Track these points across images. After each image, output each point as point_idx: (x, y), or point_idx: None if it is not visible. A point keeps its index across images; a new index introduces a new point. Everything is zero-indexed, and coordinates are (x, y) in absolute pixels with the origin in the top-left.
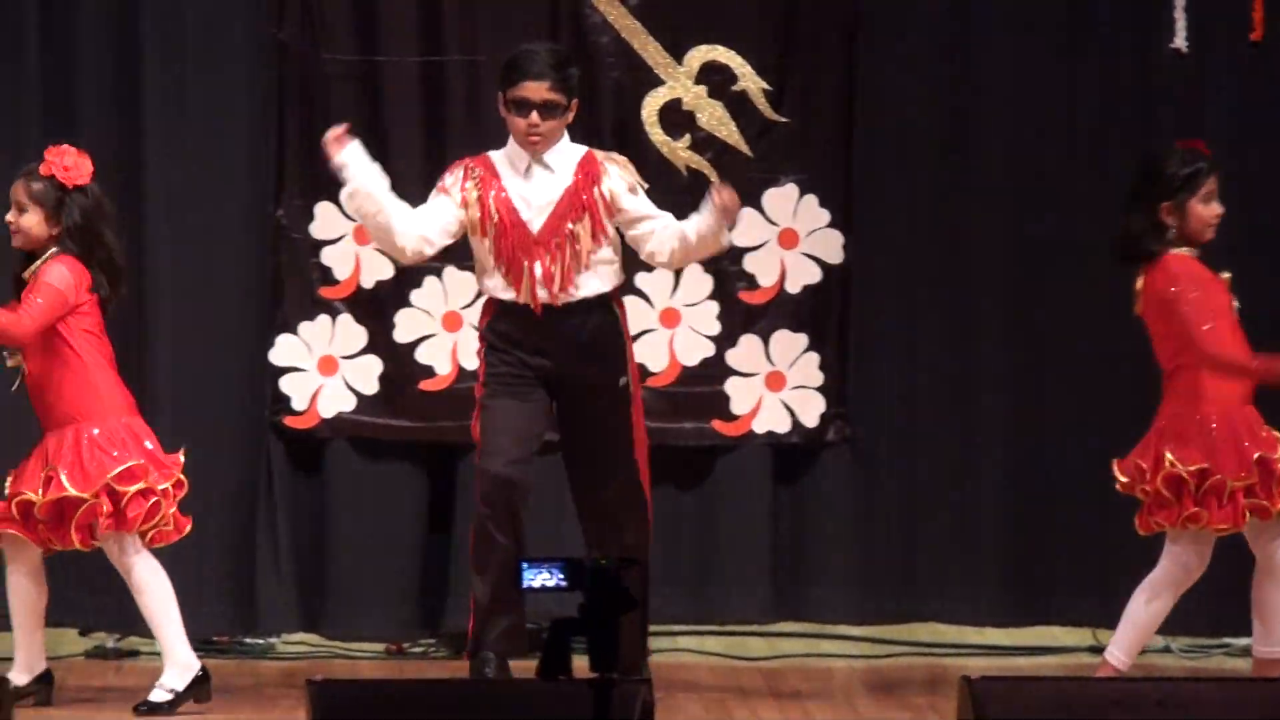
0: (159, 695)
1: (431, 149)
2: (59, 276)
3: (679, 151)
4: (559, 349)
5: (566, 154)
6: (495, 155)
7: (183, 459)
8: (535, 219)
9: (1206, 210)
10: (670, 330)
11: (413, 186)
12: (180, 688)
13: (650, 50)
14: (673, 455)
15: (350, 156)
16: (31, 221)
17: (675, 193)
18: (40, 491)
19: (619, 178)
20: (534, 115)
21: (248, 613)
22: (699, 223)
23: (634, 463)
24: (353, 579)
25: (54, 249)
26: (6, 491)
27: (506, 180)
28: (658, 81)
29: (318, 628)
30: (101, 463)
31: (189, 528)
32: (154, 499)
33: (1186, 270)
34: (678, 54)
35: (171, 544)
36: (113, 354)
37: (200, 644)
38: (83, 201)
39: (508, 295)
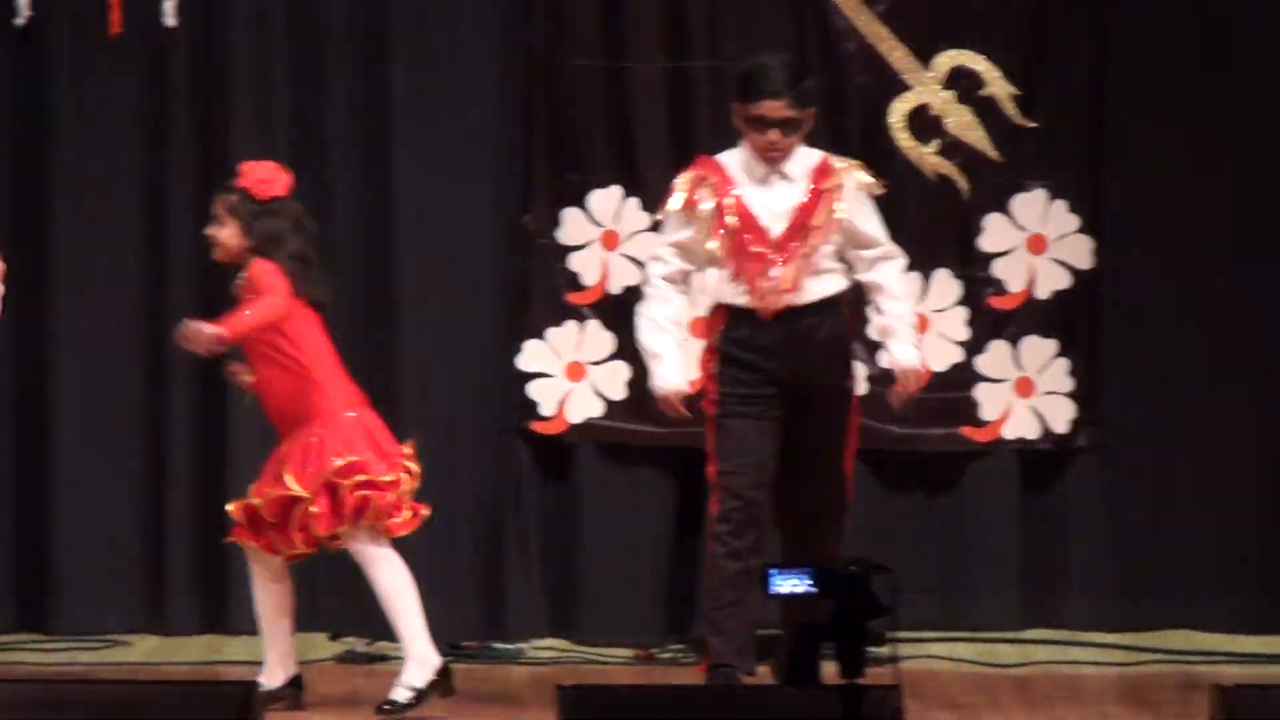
0: (400, 694)
1: (677, 155)
2: (267, 283)
3: (926, 157)
4: (791, 353)
5: (802, 159)
6: (727, 159)
7: (411, 450)
8: (774, 225)
9: None
10: (919, 336)
11: (660, 190)
12: (421, 685)
13: (897, 55)
14: (922, 462)
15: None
16: (226, 234)
17: (924, 199)
18: (268, 492)
19: (855, 191)
20: (772, 133)
21: (497, 618)
22: (892, 346)
23: (843, 472)
24: (602, 584)
25: (253, 259)
26: (245, 496)
27: (742, 186)
28: (905, 86)
29: (567, 633)
30: (323, 460)
31: (425, 512)
32: (369, 491)
33: None
34: (925, 58)
35: (419, 547)
36: (333, 349)
37: (450, 649)
38: (275, 215)
39: (741, 300)
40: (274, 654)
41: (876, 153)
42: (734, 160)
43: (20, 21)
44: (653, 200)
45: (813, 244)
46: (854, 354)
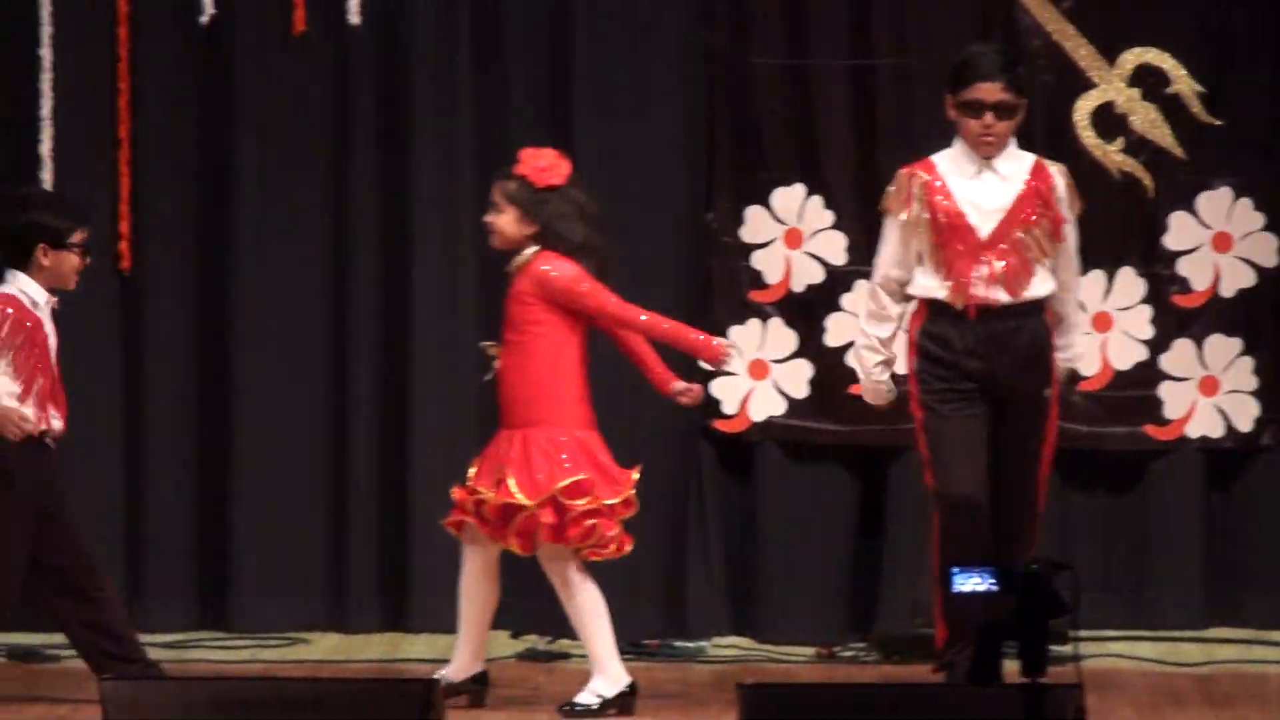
0: (586, 698)
1: (861, 153)
2: (566, 271)
3: (1111, 155)
4: (993, 354)
5: (1017, 160)
6: (939, 159)
7: (635, 477)
8: (984, 224)
9: None
10: (1103, 334)
11: (843, 188)
12: (608, 695)
13: (1083, 53)
14: (1105, 460)
15: None
16: (505, 221)
17: (1108, 196)
18: (492, 491)
19: (1066, 199)
20: (988, 116)
21: (679, 616)
22: (1065, 345)
23: (1038, 478)
24: (783, 582)
25: (534, 248)
26: (469, 480)
27: (953, 183)
28: (1090, 84)
29: (748, 631)
30: (551, 472)
31: (629, 548)
32: (597, 521)
33: None
34: (1110, 56)
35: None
36: (582, 361)
37: (631, 647)
38: (556, 202)
39: (944, 296)
40: (467, 648)
41: (1061, 150)
42: (945, 158)
43: (204, 19)
44: (836, 198)
45: (1032, 249)
46: (1054, 361)
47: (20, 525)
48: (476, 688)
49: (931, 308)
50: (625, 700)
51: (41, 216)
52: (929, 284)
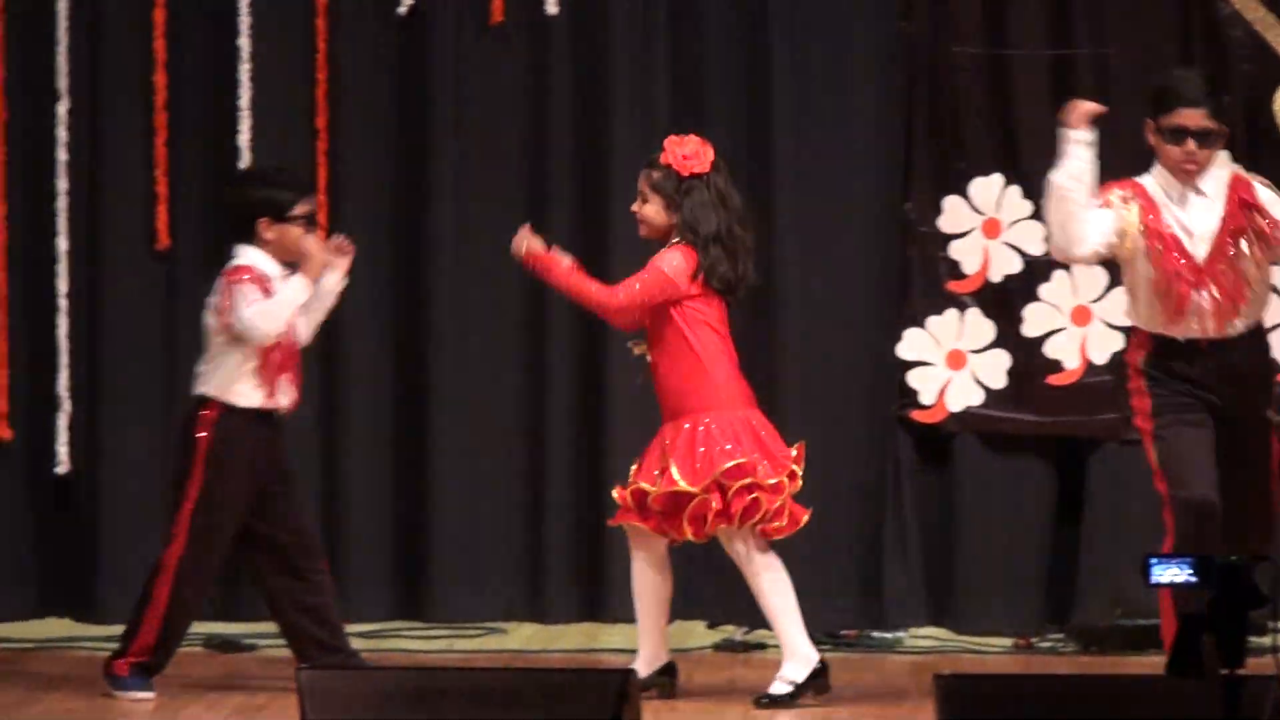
0: (779, 687)
1: (1059, 143)
2: (666, 261)
3: None
4: (1221, 383)
5: (1217, 176)
6: (1146, 181)
7: (797, 453)
8: (1199, 248)
9: None
10: None
11: (1041, 178)
12: (800, 679)
13: None
14: None
15: (1088, 138)
16: (651, 211)
17: None
18: (655, 483)
19: (1269, 196)
20: (1190, 144)
21: (875, 607)
22: None
23: (1271, 494)
24: (980, 573)
25: (675, 238)
26: (630, 479)
27: (1164, 209)
28: None
29: (945, 622)
30: (712, 457)
31: (806, 519)
32: (758, 494)
33: None
34: None
35: (797, 538)
36: (732, 347)
37: (827, 638)
38: (700, 191)
39: (1169, 330)
40: (648, 642)
41: (1260, 140)
42: (1150, 183)
43: (403, 10)
44: (1034, 188)
45: (1246, 267)
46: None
47: (233, 498)
48: (664, 680)
49: (1155, 341)
50: (817, 680)
51: (261, 191)
52: (1148, 315)
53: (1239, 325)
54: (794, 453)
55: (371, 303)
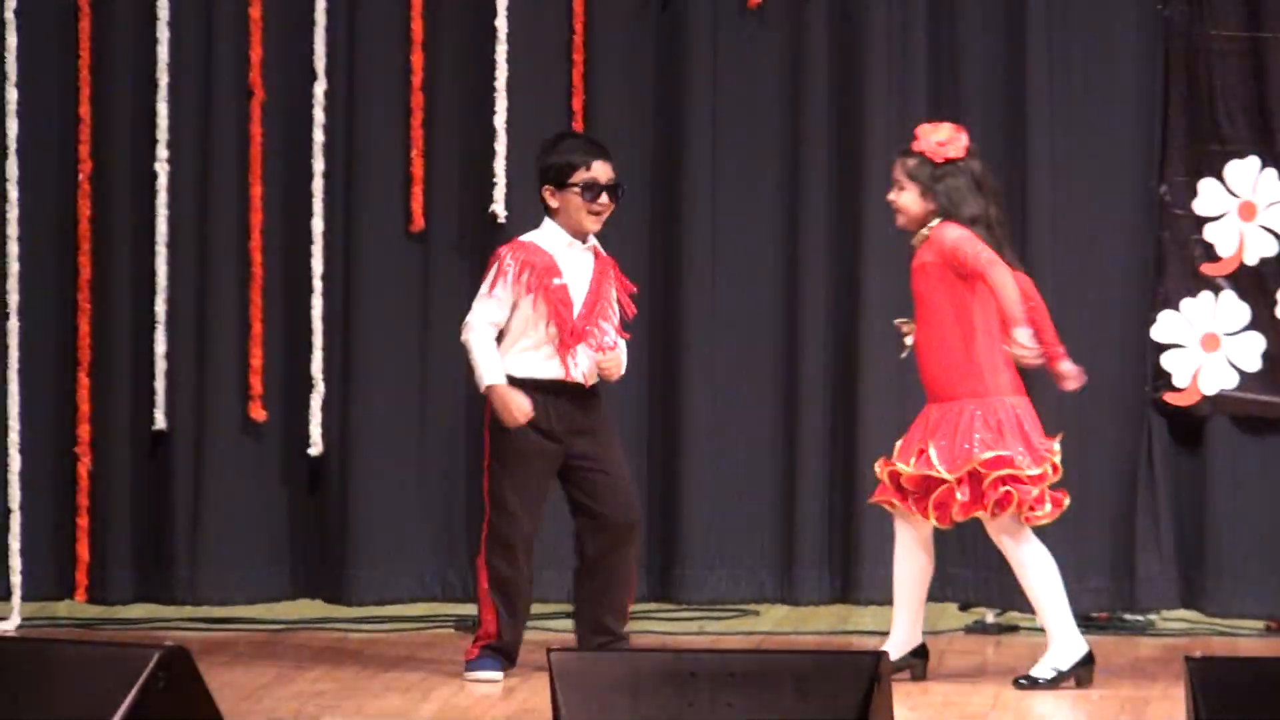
0: (1041, 670)
1: None
2: (953, 233)
3: None
4: None
5: None
6: None
7: (1058, 446)
8: None
9: None
10: None
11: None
12: (1064, 667)
13: None
14: None
15: None
16: (908, 200)
17: None
18: (911, 462)
19: None
20: None
21: (1128, 589)
22: None
23: None
24: (1233, 556)
25: (934, 221)
26: (894, 455)
27: None
28: None
29: (1197, 604)
30: (972, 446)
31: (1067, 502)
32: (1012, 486)
33: None
34: None
35: (1056, 520)
36: (997, 329)
37: (1080, 620)
38: (956, 175)
39: None
40: (903, 621)
41: None
42: None
43: None
44: (1237, 176)
45: None
46: None
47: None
48: (916, 661)
49: None
50: (1082, 671)
51: (550, 158)
52: None
53: None
54: (1056, 445)
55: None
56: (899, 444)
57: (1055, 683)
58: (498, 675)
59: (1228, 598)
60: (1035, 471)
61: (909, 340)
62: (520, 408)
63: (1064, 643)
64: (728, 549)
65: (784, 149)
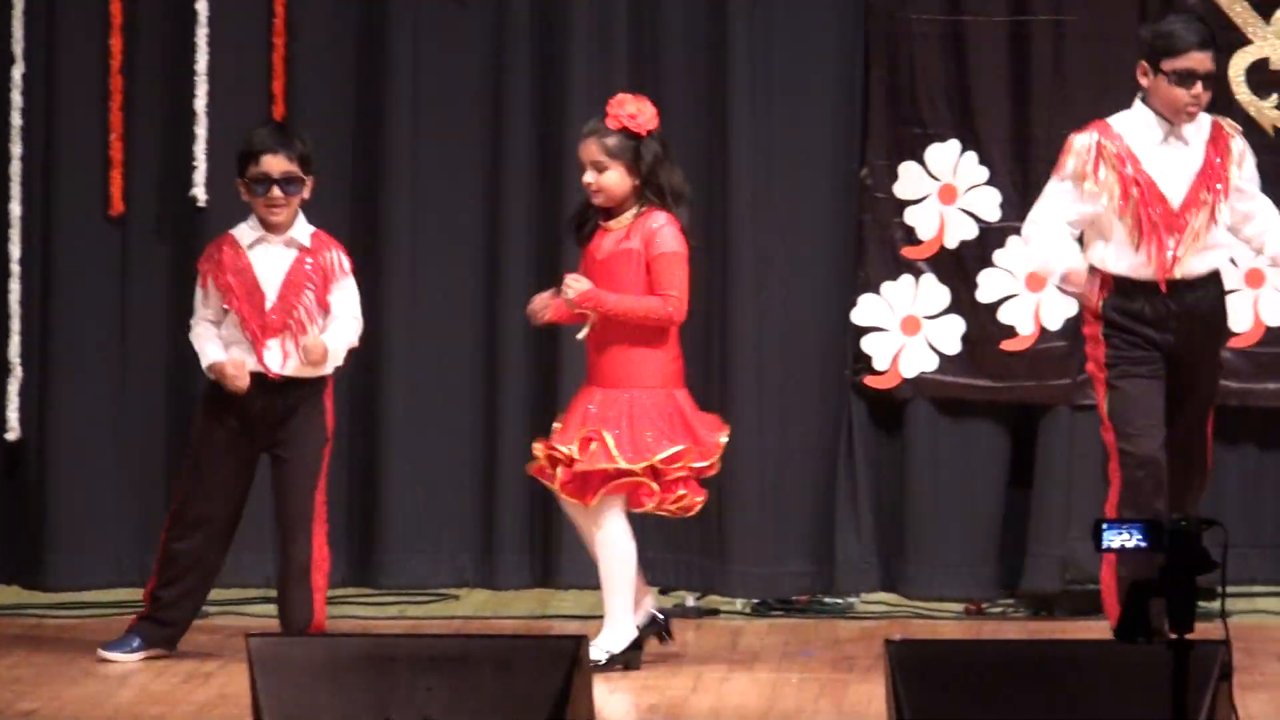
0: (595, 654)
1: (1016, 109)
2: (671, 241)
3: (1265, 111)
4: (1182, 325)
5: (1196, 123)
6: (1118, 123)
7: (724, 441)
8: (1174, 194)
9: None
10: (1255, 290)
11: (998, 144)
12: (617, 650)
13: (1238, 9)
14: (1254, 416)
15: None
16: (613, 179)
17: (1261, 152)
18: (584, 450)
19: (1242, 151)
20: (1198, 87)
21: (828, 572)
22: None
23: (1208, 435)
24: (932, 538)
25: (637, 206)
26: (553, 437)
27: (1140, 151)
28: (1245, 41)
29: (897, 587)
30: (650, 439)
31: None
32: (688, 491)
33: None
34: (1265, 13)
35: (749, 504)
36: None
37: (780, 604)
38: (654, 147)
39: (1138, 272)
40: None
41: (1216, 106)
42: (1126, 123)
43: None
44: (990, 154)
45: (1218, 214)
46: (1229, 325)
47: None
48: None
49: (1120, 282)
50: (632, 655)
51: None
52: (1118, 258)
53: (1201, 268)
54: (723, 438)
55: None
56: (561, 420)
57: (606, 666)
58: (126, 656)
59: (927, 580)
60: (704, 464)
61: (592, 319)
62: (236, 374)
63: (621, 626)
64: (427, 533)
65: (486, 129)
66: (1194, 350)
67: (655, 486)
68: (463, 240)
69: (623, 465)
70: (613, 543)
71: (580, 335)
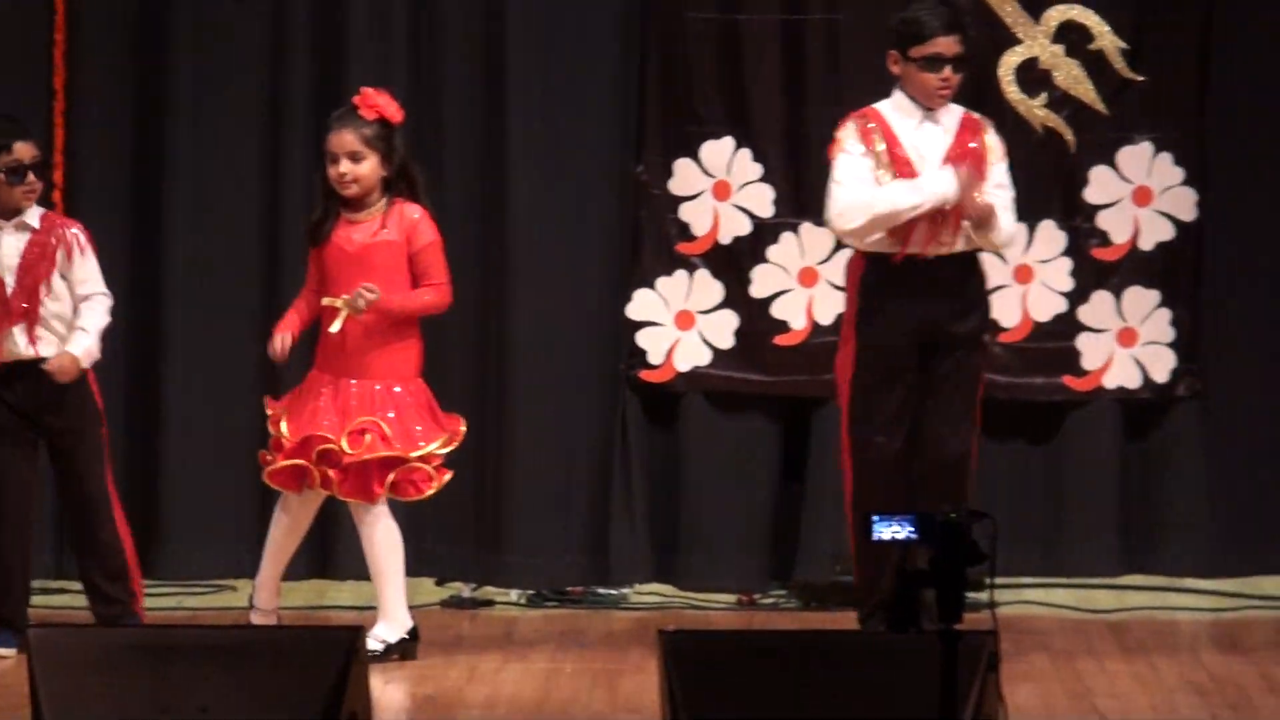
0: (371, 644)
1: (790, 107)
2: (429, 231)
3: (1035, 110)
4: (935, 301)
5: (949, 111)
6: (882, 108)
7: (463, 428)
8: (927, 171)
9: None
10: (1024, 286)
11: (772, 141)
12: (393, 639)
13: (1008, 9)
14: (1023, 410)
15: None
16: (369, 169)
17: (1029, 149)
18: (345, 443)
19: (993, 142)
20: (947, 70)
21: (602, 563)
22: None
23: (974, 420)
24: (705, 530)
25: (385, 197)
26: (285, 427)
27: (900, 133)
28: (1015, 40)
29: (670, 578)
30: (418, 431)
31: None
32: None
33: None
34: (1035, 13)
35: (525, 494)
36: None
37: (554, 594)
38: (400, 138)
39: (891, 249)
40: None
41: (985, 105)
42: (889, 109)
43: None
44: (764, 151)
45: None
46: (990, 305)
47: None
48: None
49: (871, 258)
50: (409, 645)
51: None
52: (873, 237)
53: (956, 247)
54: (462, 427)
55: (110, 257)
56: (283, 404)
57: (384, 656)
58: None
59: (700, 571)
60: (445, 451)
61: (345, 314)
62: None
63: (396, 617)
64: (206, 523)
65: (263, 119)
66: (949, 326)
67: (432, 472)
68: (241, 232)
69: (400, 454)
70: (384, 533)
71: (333, 328)
